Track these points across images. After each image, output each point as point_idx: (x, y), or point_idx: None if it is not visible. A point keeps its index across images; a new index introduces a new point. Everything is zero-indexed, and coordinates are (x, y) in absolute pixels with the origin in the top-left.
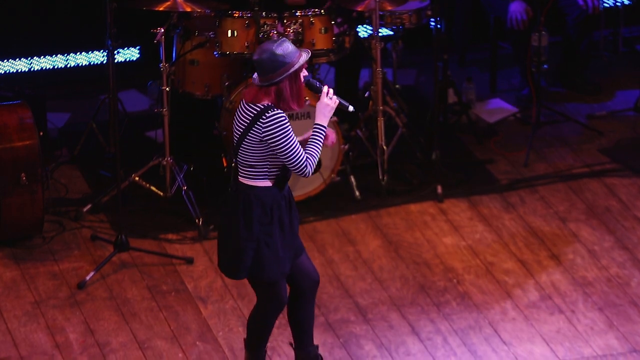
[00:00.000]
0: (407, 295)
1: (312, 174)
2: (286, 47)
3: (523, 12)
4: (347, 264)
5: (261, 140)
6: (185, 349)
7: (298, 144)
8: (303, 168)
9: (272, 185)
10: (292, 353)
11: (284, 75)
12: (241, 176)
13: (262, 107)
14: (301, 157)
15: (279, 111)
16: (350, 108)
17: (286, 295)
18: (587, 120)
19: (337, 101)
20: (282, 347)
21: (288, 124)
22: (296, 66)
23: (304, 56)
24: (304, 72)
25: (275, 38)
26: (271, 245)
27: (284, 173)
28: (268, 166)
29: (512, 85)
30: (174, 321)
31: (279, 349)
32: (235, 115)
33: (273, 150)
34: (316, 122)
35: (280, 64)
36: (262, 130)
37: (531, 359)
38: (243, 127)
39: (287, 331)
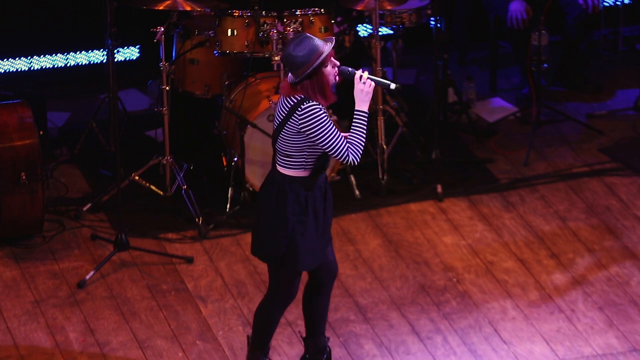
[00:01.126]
0: (407, 295)
1: (359, 158)
2: (303, 46)
3: (523, 11)
4: (347, 264)
5: (299, 132)
6: (185, 348)
7: (338, 132)
8: (345, 156)
9: (309, 175)
10: (292, 352)
11: (303, 76)
12: (279, 165)
13: (298, 99)
14: (342, 145)
15: (314, 103)
16: (392, 85)
17: (297, 289)
18: (587, 119)
19: (372, 84)
20: (282, 347)
21: (324, 114)
22: (315, 64)
23: (325, 51)
24: (335, 62)
25: (275, 37)
26: (306, 235)
27: (320, 163)
28: (305, 156)
29: (512, 85)
30: (174, 320)
31: (279, 349)
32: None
33: (313, 141)
34: (356, 108)
35: (298, 64)
36: (299, 122)
37: (531, 358)
38: (281, 119)
39: (287, 330)
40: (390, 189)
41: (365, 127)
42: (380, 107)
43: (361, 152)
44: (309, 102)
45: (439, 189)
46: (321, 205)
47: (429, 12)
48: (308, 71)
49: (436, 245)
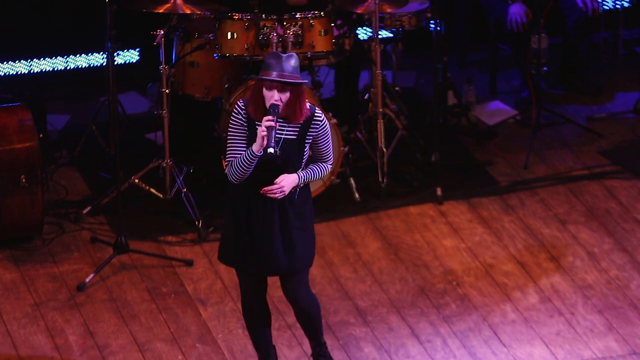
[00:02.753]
0: (407, 298)
1: (235, 182)
2: (271, 60)
3: (523, 14)
4: (347, 267)
5: None
6: (185, 351)
7: (237, 143)
8: (227, 167)
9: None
10: (291, 356)
11: (253, 79)
12: None
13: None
14: (229, 154)
15: (238, 105)
16: (270, 150)
17: (247, 290)
18: (586, 122)
19: (264, 133)
20: (281, 350)
21: (235, 118)
22: (256, 77)
23: (268, 76)
24: (275, 98)
25: (274, 40)
26: (227, 228)
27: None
28: None
29: (512, 87)
30: (174, 323)
31: (278, 352)
32: None
33: None
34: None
35: (261, 68)
36: None
37: None
38: None
39: (287, 334)
40: (390, 192)
41: (246, 163)
42: (380, 110)
43: (234, 177)
44: (238, 102)
45: (439, 191)
46: (247, 219)
47: (429, 15)
48: (255, 79)
49: (436, 248)
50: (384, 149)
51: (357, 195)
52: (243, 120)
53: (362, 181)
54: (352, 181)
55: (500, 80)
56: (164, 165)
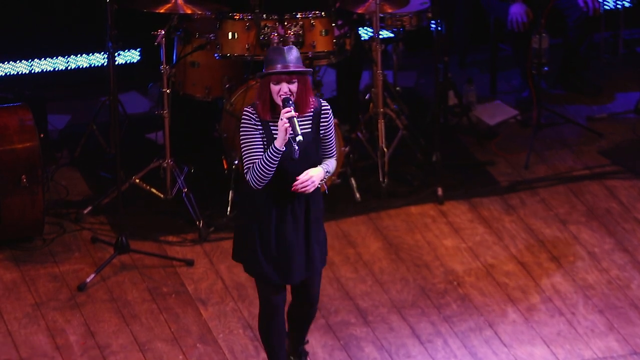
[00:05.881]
0: (408, 298)
1: (259, 188)
2: (274, 55)
3: (523, 14)
4: (348, 266)
5: None
6: (186, 350)
7: (253, 146)
8: (245, 173)
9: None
10: None
11: (258, 77)
12: None
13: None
14: (248, 160)
15: (248, 110)
16: (299, 138)
17: (277, 301)
18: (587, 122)
19: (287, 125)
20: None
21: (247, 122)
22: (260, 73)
23: (276, 70)
24: (284, 90)
25: (275, 40)
26: (249, 242)
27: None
28: None
29: (513, 87)
30: (175, 323)
31: None
32: None
33: None
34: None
35: (263, 66)
36: None
37: None
38: None
39: None
40: (391, 192)
41: (269, 163)
42: (381, 110)
43: (258, 181)
44: (247, 109)
45: (440, 191)
46: (277, 226)
47: (430, 15)
48: (259, 75)
49: (436, 248)
50: (385, 149)
51: (357, 195)
52: (257, 124)
53: (363, 181)
54: (353, 181)
55: (500, 80)
56: (165, 165)
